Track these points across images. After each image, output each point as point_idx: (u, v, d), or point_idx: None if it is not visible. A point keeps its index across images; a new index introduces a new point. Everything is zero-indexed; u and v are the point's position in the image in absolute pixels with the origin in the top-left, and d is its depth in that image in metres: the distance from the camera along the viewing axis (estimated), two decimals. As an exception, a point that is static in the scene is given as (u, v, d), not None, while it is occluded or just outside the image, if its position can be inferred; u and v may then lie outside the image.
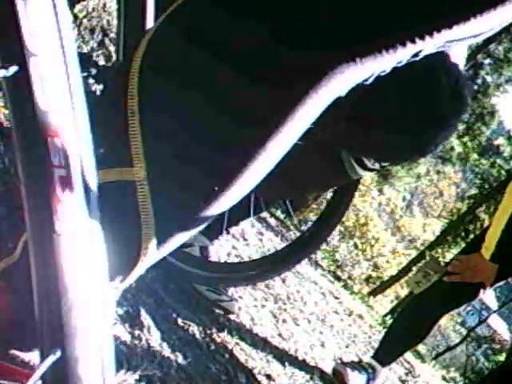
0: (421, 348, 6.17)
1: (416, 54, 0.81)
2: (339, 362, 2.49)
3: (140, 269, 0.82)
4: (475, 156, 13.33)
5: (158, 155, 0.79)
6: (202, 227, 0.86)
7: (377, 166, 1.52)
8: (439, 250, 12.60)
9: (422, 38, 0.77)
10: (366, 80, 0.81)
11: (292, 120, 0.78)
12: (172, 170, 0.80)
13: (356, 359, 2.67)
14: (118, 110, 0.79)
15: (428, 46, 0.79)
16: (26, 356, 0.84)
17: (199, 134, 0.79)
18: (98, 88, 2.01)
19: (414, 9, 0.78)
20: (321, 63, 0.77)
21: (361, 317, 3.63)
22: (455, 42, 0.83)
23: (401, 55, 0.79)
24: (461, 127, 13.17)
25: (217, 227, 2.01)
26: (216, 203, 0.81)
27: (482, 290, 2.32)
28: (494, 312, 14.58)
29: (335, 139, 1.41)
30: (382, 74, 0.82)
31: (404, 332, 2.49)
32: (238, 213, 1.93)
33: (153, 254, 0.80)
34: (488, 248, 2.21)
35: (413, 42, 0.77)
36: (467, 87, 1.32)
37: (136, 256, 0.80)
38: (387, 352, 2.49)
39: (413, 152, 1.42)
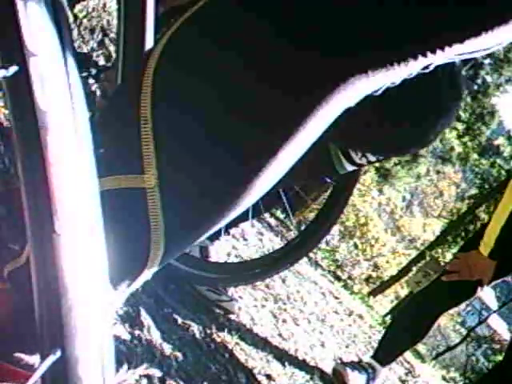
0: (421, 348, 6.17)
1: (426, 67, 0.81)
2: (339, 362, 2.49)
3: (147, 274, 0.82)
4: (475, 156, 13.34)
5: (169, 163, 0.79)
6: (211, 233, 0.86)
7: (364, 160, 1.51)
8: (439, 250, 12.62)
9: (433, 52, 0.78)
10: (376, 91, 0.81)
11: (302, 131, 0.78)
12: (183, 177, 0.80)
13: (356, 359, 2.67)
14: (131, 117, 0.79)
15: (439, 59, 0.80)
16: (29, 359, 0.84)
17: (213, 141, 0.79)
18: (98, 88, 2.01)
19: (425, 23, 0.79)
20: (333, 75, 0.77)
21: (361, 317, 3.63)
22: (466, 54, 0.83)
23: (411, 68, 0.79)
24: (461, 127, 13.18)
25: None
26: (227, 210, 0.81)
27: (479, 288, 2.32)
28: (494, 312, 14.58)
29: (329, 134, 1.40)
30: (392, 85, 0.82)
31: (403, 331, 2.49)
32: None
33: (160, 259, 0.81)
34: (487, 245, 2.22)
35: (424, 55, 0.78)
36: (461, 74, 1.31)
37: (144, 262, 0.80)
38: (387, 352, 2.49)
39: (413, 143, 1.40)
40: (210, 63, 0.80)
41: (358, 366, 2.40)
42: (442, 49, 0.78)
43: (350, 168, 1.54)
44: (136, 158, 0.78)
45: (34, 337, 0.61)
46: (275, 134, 0.79)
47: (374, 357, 2.49)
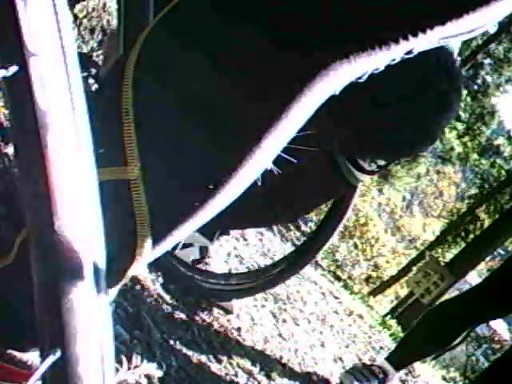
0: (421, 348, 6.14)
1: (409, 52, 0.81)
2: (348, 369, 2.37)
3: (136, 268, 0.82)
4: (475, 156, 13.34)
5: (152, 154, 0.79)
6: (197, 227, 0.86)
7: (374, 166, 1.50)
8: (439, 250, 12.61)
9: (414, 34, 0.78)
10: (360, 78, 0.81)
11: (286, 119, 0.78)
12: (166, 168, 0.80)
13: (368, 362, 2.57)
14: (112, 109, 0.79)
15: (421, 42, 0.80)
16: (23, 356, 0.84)
17: (194, 132, 0.79)
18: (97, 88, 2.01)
19: (406, 6, 0.79)
20: (314, 61, 0.77)
21: (361, 317, 3.62)
22: (449, 38, 0.83)
23: (394, 52, 0.79)
24: (461, 127, 13.18)
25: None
26: (211, 202, 0.81)
27: None
28: (494, 312, 14.56)
29: (335, 147, 1.40)
30: (376, 71, 0.82)
31: (429, 337, 2.34)
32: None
33: (148, 253, 0.80)
34: None
35: (405, 39, 0.78)
36: (457, 66, 1.29)
37: (131, 255, 0.80)
38: (405, 355, 2.38)
39: (418, 143, 1.37)
40: (186, 57, 0.80)
41: (368, 372, 2.29)
42: (424, 31, 0.78)
43: (362, 177, 1.54)
44: (118, 149, 0.78)
45: (32, 337, 0.61)
46: (259, 123, 0.79)
47: (388, 359, 2.37)
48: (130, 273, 0.82)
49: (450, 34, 0.82)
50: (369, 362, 2.72)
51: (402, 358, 2.37)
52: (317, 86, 0.77)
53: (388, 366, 2.32)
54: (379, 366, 2.34)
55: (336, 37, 0.78)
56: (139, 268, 0.83)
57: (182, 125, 0.80)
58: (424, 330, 2.41)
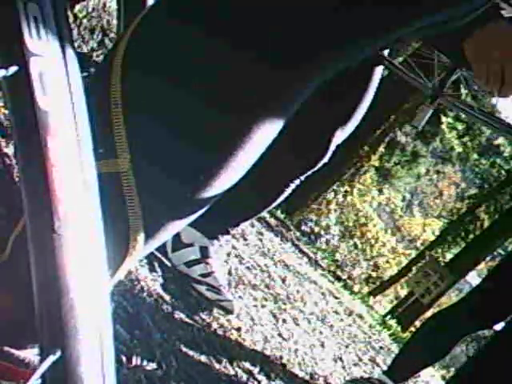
0: (421, 348, 6.14)
1: (395, 42, 0.82)
2: (347, 381, 2.38)
3: (129, 263, 0.82)
4: (475, 156, 13.36)
5: (142, 146, 0.79)
6: (190, 220, 0.86)
7: None
8: (439, 250, 12.63)
9: (399, 26, 0.79)
10: (350, 66, 0.82)
11: (276, 108, 0.79)
12: (157, 160, 0.80)
13: (365, 375, 2.56)
14: (101, 101, 0.79)
15: (404, 33, 0.81)
16: (21, 354, 0.83)
17: (182, 125, 0.79)
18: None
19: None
20: (305, 51, 0.78)
21: (361, 317, 3.63)
22: (428, 28, 0.84)
23: (380, 43, 0.80)
24: (461, 127, 13.18)
25: (219, 227, 2.02)
26: (203, 194, 0.81)
27: None
28: (494, 312, 14.54)
29: None
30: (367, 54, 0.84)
31: (425, 349, 2.33)
32: None
33: (141, 247, 0.80)
34: None
35: (390, 30, 0.79)
36: None
37: (125, 250, 0.79)
38: (403, 369, 2.36)
39: None
40: (170, 54, 0.80)
41: (366, 383, 2.28)
42: (406, 23, 0.80)
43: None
44: (109, 142, 0.77)
45: (26, 335, 0.61)
46: (248, 112, 0.79)
47: (387, 373, 2.34)
48: (124, 268, 0.82)
49: (426, 24, 0.83)
50: (369, 363, 2.72)
51: (400, 371, 2.36)
52: (307, 76, 0.78)
53: (388, 381, 2.30)
54: (378, 380, 2.32)
55: (323, 28, 0.78)
56: (133, 262, 0.83)
57: (171, 118, 0.79)
58: (419, 343, 2.39)
